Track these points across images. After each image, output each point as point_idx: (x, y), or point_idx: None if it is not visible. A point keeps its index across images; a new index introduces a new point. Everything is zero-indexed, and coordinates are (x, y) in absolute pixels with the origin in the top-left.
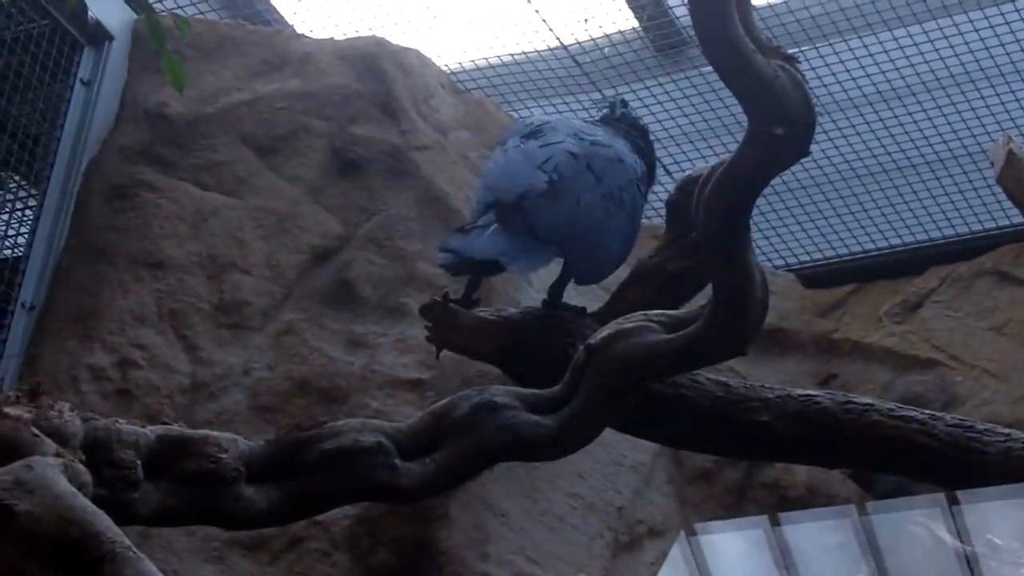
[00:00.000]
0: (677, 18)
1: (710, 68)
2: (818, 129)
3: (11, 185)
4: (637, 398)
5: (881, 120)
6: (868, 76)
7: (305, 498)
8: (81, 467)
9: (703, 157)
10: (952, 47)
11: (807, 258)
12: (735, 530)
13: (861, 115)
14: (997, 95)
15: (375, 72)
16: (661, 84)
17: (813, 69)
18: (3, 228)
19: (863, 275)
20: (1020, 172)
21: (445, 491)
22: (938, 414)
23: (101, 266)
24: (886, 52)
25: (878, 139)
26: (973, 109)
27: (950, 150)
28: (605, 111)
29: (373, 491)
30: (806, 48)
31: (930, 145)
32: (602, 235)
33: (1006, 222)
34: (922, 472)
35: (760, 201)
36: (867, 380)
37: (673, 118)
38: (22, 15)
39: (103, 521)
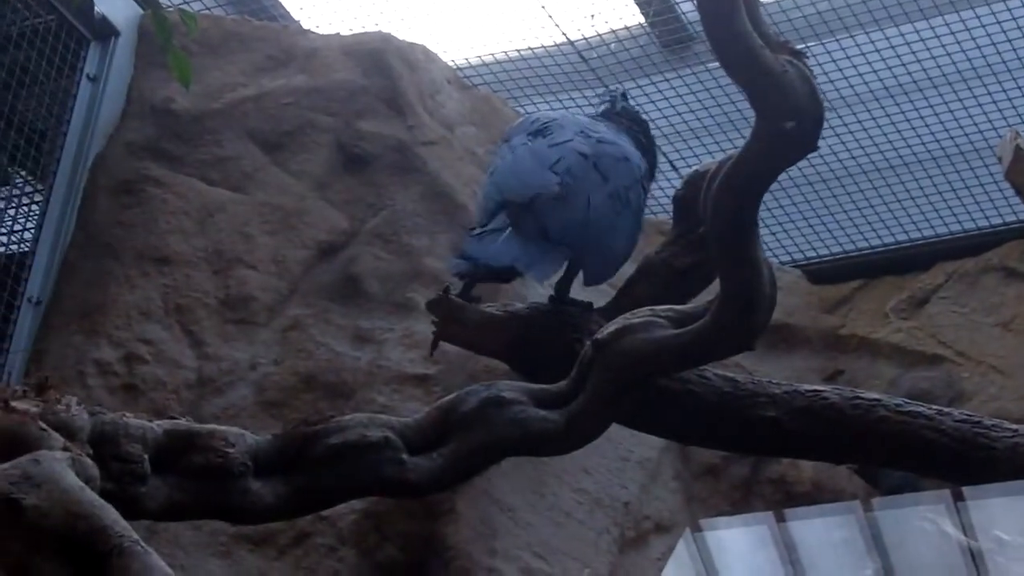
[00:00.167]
0: (684, 14)
1: (717, 64)
2: (825, 125)
3: (17, 180)
4: (644, 393)
5: (888, 116)
6: (875, 72)
7: (312, 493)
8: (88, 461)
9: (710, 153)
10: (959, 43)
11: (813, 254)
12: (741, 526)
13: (868, 111)
14: (1004, 91)
15: (381, 68)
16: (668, 80)
17: (820, 65)
18: (9, 223)
19: (870, 271)
20: None
21: (452, 486)
22: (945, 410)
23: (107, 261)
24: (893, 48)
25: (885, 135)
26: (980, 105)
27: (957, 146)
28: (606, 104)
29: (380, 486)
30: (812, 44)
31: (937, 141)
32: (611, 235)
33: (1013, 218)
34: (929, 468)
35: (767, 197)
36: (874, 376)
37: (680, 114)
38: (28, 10)
39: (110, 515)
